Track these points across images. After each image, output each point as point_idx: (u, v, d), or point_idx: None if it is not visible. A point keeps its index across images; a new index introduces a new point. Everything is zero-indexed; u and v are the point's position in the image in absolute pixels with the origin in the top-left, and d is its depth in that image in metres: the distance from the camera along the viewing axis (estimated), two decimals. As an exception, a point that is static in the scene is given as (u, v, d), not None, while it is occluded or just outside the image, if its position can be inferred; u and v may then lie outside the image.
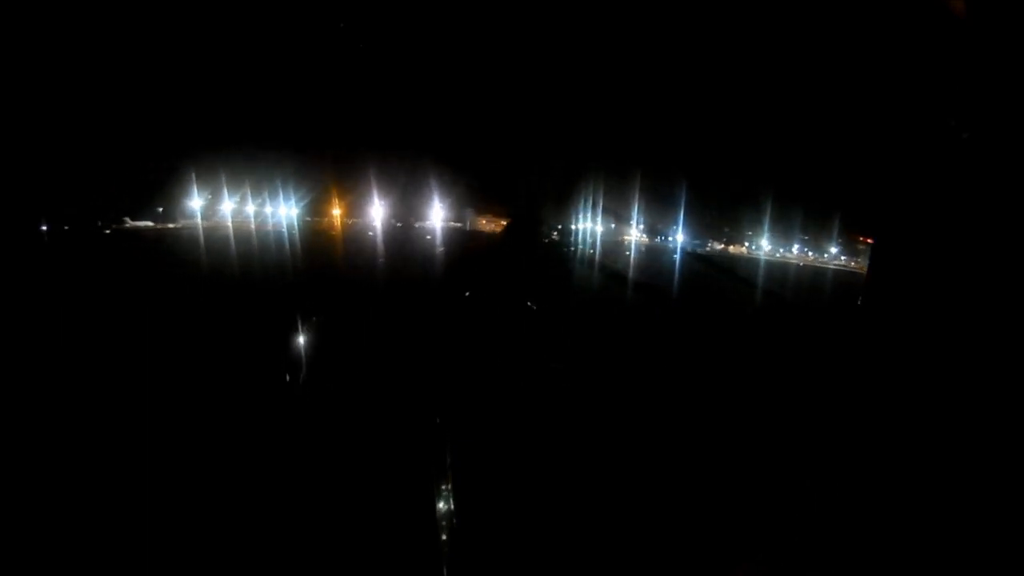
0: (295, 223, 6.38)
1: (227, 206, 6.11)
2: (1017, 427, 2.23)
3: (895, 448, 2.46)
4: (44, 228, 5.46)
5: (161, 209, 6.02)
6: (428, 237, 6.71)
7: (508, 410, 3.17)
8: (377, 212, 6.42)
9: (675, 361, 4.09)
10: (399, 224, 6.61)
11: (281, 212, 6.36)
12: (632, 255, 7.11)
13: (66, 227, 5.79)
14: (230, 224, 6.20)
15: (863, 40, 2.70)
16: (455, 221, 7.20)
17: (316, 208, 6.43)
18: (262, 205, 6.40)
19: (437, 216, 6.47)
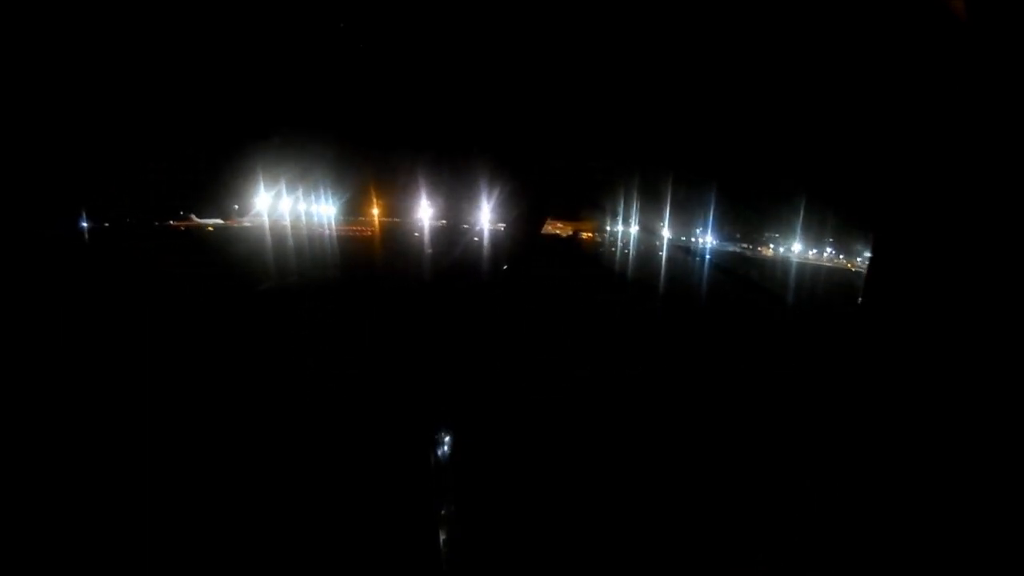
0: (371, 224, 6.30)
1: (295, 205, 6.02)
2: (1017, 427, 2.23)
3: (895, 448, 2.46)
4: (100, 224, 5.46)
5: (237, 206, 5.96)
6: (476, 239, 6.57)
7: (524, 414, 3.17)
8: (437, 212, 6.29)
9: (687, 362, 4.07)
10: (464, 225, 6.44)
11: (350, 213, 6.27)
12: (664, 256, 6.94)
13: (117, 223, 5.78)
14: (297, 223, 6.12)
15: (863, 40, 2.69)
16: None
17: (385, 209, 6.32)
18: (332, 205, 6.31)
19: (488, 218, 6.35)
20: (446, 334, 3.96)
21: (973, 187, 2.41)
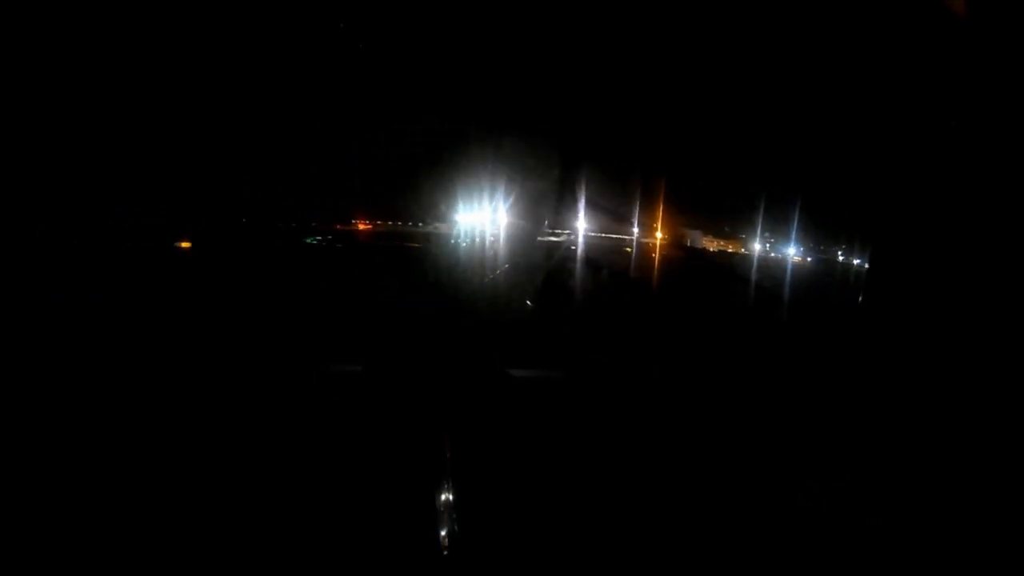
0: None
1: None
2: (1018, 426, 2.23)
3: (896, 448, 2.46)
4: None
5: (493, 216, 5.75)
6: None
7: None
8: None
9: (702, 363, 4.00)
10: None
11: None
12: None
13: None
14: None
15: (863, 40, 2.71)
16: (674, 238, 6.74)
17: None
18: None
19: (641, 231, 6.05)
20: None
21: (973, 187, 2.42)
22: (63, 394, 2.75)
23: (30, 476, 2.30)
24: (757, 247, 6.36)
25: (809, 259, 6.48)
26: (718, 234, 7.15)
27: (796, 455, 2.61)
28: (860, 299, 3.31)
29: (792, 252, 6.22)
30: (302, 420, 2.80)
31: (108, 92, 3.64)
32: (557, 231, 5.79)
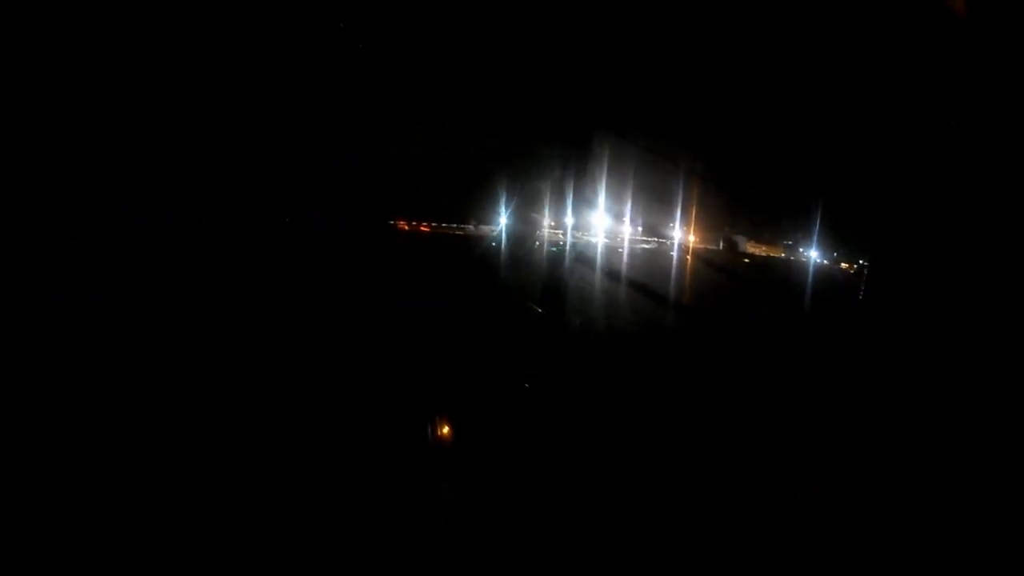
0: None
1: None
2: (1018, 426, 2.23)
3: (895, 448, 2.46)
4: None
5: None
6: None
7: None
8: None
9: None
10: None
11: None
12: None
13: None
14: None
15: (863, 40, 2.70)
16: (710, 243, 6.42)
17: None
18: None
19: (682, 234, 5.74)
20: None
21: (973, 187, 2.42)
22: (63, 394, 2.76)
23: (30, 475, 2.30)
24: (795, 252, 6.24)
25: (851, 265, 6.30)
26: (759, 239, 7.01)
27: (796, 455, 2.62)
28: (860, 299, 3.31)
29: (820, 257, 6.08)
30: (303, 420, 2.81)
31: (124, 92, 3.62)
32: (585, 232, 5.67)
